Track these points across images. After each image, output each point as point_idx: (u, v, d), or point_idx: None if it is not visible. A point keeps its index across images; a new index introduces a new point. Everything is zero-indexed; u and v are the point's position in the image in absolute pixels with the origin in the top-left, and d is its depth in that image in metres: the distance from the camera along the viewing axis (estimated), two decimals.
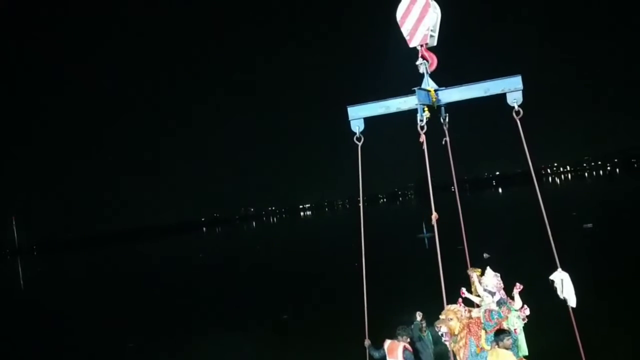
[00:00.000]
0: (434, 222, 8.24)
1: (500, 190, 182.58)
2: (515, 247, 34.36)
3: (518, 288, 8.83)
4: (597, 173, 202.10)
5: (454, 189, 10.45)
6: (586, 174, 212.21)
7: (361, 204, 9.46)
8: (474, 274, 9.40)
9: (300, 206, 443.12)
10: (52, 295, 56.03)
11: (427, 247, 47.37)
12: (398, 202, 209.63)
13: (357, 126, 8.93)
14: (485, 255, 36.15)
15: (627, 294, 20.26)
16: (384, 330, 9.85)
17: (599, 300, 17.21)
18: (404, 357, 8.89)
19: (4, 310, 47.67)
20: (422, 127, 8.19)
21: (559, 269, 8.39)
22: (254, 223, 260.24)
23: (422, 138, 8.21)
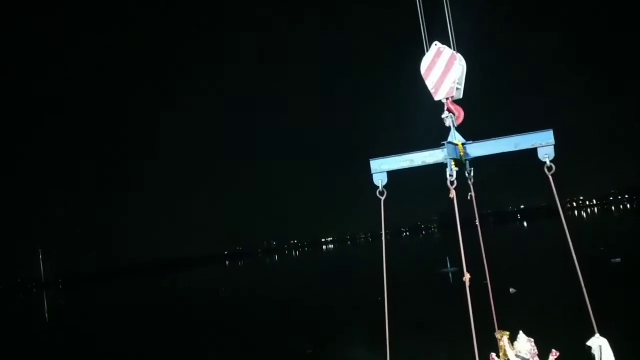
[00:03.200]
0: (467, 282, 7.86)
1: (525, 224, 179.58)
2: (543, 283, 33.76)
3: (555, 355, 8.15)
4: (625, 207, 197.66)
5: (482, 248, 9.86)
6: (613, 208, 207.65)
7: (384, 262, 8.74)
8: (503, 337, 8.75)
9: (323, 239, 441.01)
10: (73, 328, 56.42)
11: (451, 281, 46.78)
12: (421, 236, 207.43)
13: (380, 180, 8.49)
14: (512, 290, 35.61)
15: None
16: None
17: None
18: None
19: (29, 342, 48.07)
20: (452, 183, 7.87)
21: (597, 335, 7.76)
22: (276, 257, 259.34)
23: (453, 194, 7.90)
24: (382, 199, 8.56)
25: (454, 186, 7.90)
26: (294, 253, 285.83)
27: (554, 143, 7.78)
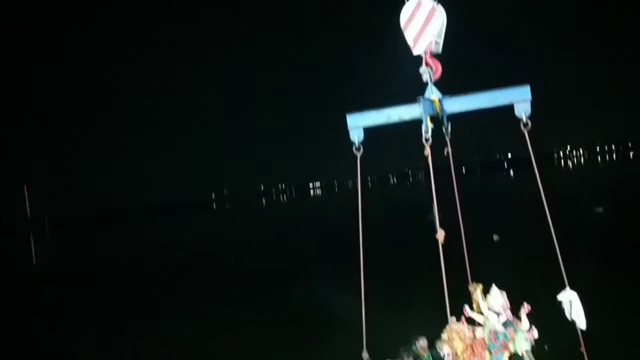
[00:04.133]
0: (440, 240, 7.86)
1: (512, 172, 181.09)
2: (526, 232, 34.17)
3: (526, 309, 8.33)
4: (610, 157, 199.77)
5: (457, 200, 9.90)
6: (599, 158, 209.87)
7: (359, 219, 8.56)
8: (477, 290, 8.94)
9: (311, 185, 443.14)
10: (66, 272, 56.83)
11: (437, 229, 47.24)
12: (408, 183, 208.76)
13: (356, 136, 8.29)
14: (495, 237, 36.17)
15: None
16: (383, 338, 9.52)
17: (611, 308, 16.70)
18: None
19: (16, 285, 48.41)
20: (426, 140, 7.72)
21: (567, 288, 7.93)
22: (263, 200, 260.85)
23: (427, 151, 7.73)
24: (359, 155, 8.34)
25: (429, 143, 7.73)
26: (281, 198, 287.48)
27: (530, 99, 7.64)
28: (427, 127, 7.76)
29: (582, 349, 7.97)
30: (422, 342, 9.00)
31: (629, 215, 39.50)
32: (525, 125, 7.60)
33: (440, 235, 7.98)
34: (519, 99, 7.67)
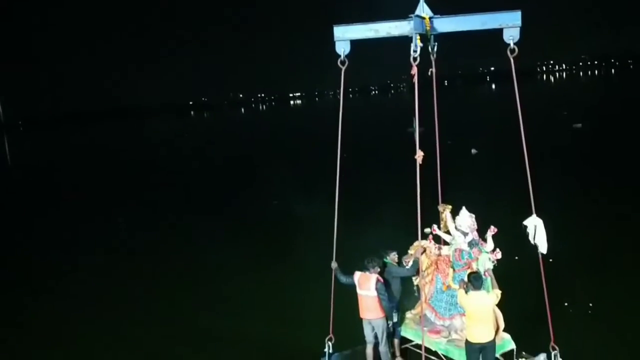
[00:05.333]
0: (418, 160, 7.87)
1: (493, 86, 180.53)
2: (503, 147, 34.31)
3: (492, 231, 8.61)
4: (592, 73, 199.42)
5: (437, 131, 9.69)
6: (581, 73, 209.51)
7: (339, 143, 8.44)
8: (445, 210, 9.14)
9: (290, 94, 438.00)
10: (41, 171, 56.17)
11: (416, 141, 47.32)
12: (390, 95, 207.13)
13: (342, 48, 8.17)
14: (473, 150, 36.32)
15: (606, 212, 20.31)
16: (354, 250, 9.60)
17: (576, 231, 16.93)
18: (376, 289, 8.69)
19: None
20: (415, 59, 7.56)
21: (534, 215, 8.25)
22: (242, 109, 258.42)
23: (414, 70, 7.62)
24: (343, 68, 8.27)
25: (417, 62, 7.62)
26: (260, 107, 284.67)
27: (520, 25, 7.66)
28: (417, 46, 7.63)
29: (542, 271, 8.30)
30: (393, 256, 9.13)
31: (608, 132, 39.80)
32: (512, 51, 7.62)
33: (419, 156, 8.02)
34: (509, 24, 7.68)
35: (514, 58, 7.72)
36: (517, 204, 8.96)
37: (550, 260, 8.66)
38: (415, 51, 7.62)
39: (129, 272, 18.60)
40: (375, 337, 8.82)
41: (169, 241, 22.30)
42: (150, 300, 15.66)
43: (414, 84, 7.92)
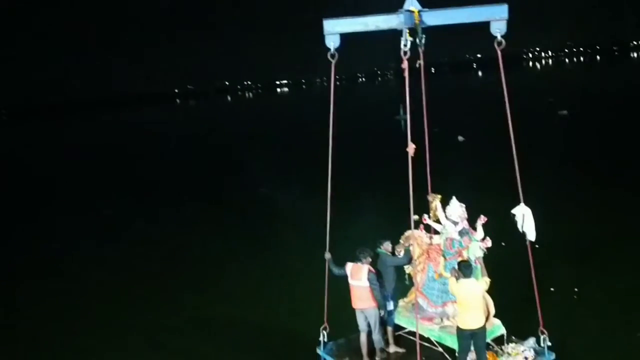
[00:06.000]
0: (410, 152, 7.99)
1: (480, 73, 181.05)
2: (490, 134, 34.52)
3: (482, 220, 8.84)
4: (578, 59, 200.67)
5: (425, 122, 9.74)
6: (567, 60, 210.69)
7: (330, 135, 8.52)
8: (435, 200, 9.33)
9: (277, 82, 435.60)
10: (25, 161, 55.53)
11: (402, 128, 47.46)
12: (377, 82, 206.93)
13: (331, 42, 8.31)
14: (460, 138, 36.52)
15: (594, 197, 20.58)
16: (346, 240, 9.65)
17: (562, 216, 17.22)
18: (368, 279, 8.78)
19: None
20: (405, 53, 7.74)
21: (522, 204, 8.46)
22: (228, 97, 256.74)
23: (405, 64, 7.79)
24: (333, 62, 8.40)
25: (407, 56, 7.79)
26: (246, 94, 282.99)
27: (507, 18, 7.86)
28: (407, 40, 7.81)
29: (530, 258, 8.54)
30: (386, 246, 9.25)
31: (593, 119, 40.22)
32: (500, 44, 7.82)
33: (411, 148, 8.12)
34: (496, 17, 7.86)
35: (501, 50, 7.86)
36: (505, 192, 9.11)
37: (537, 246, 8.82)
38: (405, 45, 7.78)
39: (115, 261, 18.58)
40: (368, 325, 8.96)
41: (155, 230, 22.20)
42: (138, 288, 15.70)
43: (404, 77, 8.01)
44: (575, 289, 12.58)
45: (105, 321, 13.65)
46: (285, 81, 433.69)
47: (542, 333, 8.65)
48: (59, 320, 14.09)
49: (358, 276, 8.81)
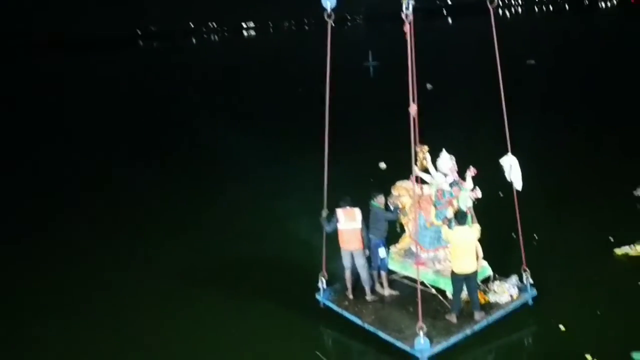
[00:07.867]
0: (412, 114, 8.15)
1: (450, 20, 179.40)
2: (460, 82, 34.61)
3: (471, 172, 9.02)
4: (547, 8, 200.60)
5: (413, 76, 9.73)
6: (536, 8, 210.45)
7: (327, 89, 9.08)
8: (423, 151, 9.44)
9: (244, 25, 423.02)
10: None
11: (371, 75, 47.19)
12: (346, 27, 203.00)
13: (328, 2, 8.30)
14: (429, 86, 36.39)
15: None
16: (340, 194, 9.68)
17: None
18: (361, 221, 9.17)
19: None
20: (406, 16, 7.79)
21: (509, 154, 8.71)
22: (193, 40, 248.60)
23: (407, 28, 7.85)
24: (330, 21, 8.53)
25: (409, 19, 7.79)
26: (212, 37, 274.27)
27: None
28: (408, 4, 7.82)
29: (516, 205, 8.97)
30: (380, 199, 9.56)
31: (561, 68, 40.64)
32: (492, 2, 8.00)
33: (413, 109, 8.28)
34: None
35: (493, 9, 8.16)
36: (493, 141, 9.33)
37: (518, 190, 9.09)
38: (407, 8, 7.81)
39: (69, 216, 17.89)
40: (353, 264, 9.31)
41: (107, 185, 21.21)
42: (106, 241, 15.38)
43: (406, 41, 8.00)
44: (558, 233, 12.55)
45: (78, 275, 13.62)
46: (252, 24, 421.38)
47: (525, 271, 9.21)
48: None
49: (352, 218, 9.11)
